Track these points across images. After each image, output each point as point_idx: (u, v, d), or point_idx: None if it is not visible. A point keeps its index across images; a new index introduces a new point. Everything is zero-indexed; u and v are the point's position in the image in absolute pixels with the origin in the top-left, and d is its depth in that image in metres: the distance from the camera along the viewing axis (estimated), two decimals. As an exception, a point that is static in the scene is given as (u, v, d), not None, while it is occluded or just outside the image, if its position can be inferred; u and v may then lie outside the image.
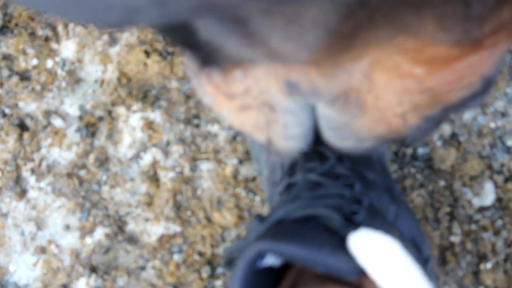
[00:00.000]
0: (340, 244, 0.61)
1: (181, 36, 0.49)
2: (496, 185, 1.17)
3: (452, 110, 0.56)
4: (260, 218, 0.73)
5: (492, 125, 1.18)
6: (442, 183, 1.18)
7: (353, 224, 0.65)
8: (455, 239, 1.16)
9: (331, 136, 0.63)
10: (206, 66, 0.54)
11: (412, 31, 0.42)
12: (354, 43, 0.43)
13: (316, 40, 0.40)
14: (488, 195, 1.16)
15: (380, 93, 0.51)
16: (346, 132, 0.60)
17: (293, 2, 0.32)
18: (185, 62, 0.64)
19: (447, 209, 1.17)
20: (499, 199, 1.17)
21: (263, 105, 0.58)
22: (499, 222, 1.15)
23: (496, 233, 1.16)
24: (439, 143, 1.18)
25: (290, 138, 0.63)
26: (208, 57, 0.51)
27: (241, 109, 0.59)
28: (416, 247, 0.84)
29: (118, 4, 0.29)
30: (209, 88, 0.58)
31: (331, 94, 0.52)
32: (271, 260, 0.67)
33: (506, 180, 1.17)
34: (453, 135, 1.18)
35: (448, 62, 0.46)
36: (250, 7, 0.32)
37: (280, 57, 0.44)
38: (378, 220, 0.70)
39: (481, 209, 1.17)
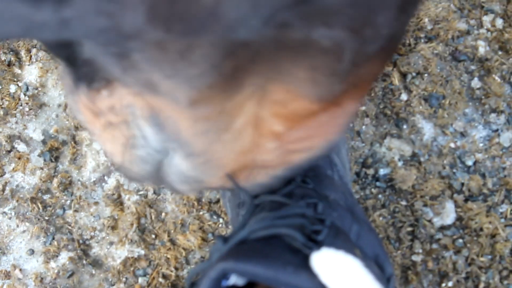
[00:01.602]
0: (303, 263, 0.61)
1: (65, 52, 0.50)
2: (457, 205, 1.18)
3: (296, 169, 0.58)
4: (223, 238, 0.73)
5: (452, 145, 1.19)
6: (403, 203, 1.19)
7: (315, 243, 0.66)
8: (417, 258, 1.17)
9: (173, 181, 0.63)
10: (79, 83, 0.54)
11: (284, 79, 0.43)
12: (232, 86, 0.43)
13: (200, 76, 0.40)
14: (448, 214, 1.17)
15: (242, 156, 0.53)
16: (191, 183, 0.61)
17: (193, 34, 0.33)
18: (61, 77, 0.64)
19: (409, 229, 1.18)
20: (459, 218, 1.18)
21: (122, 122, 0.57)
22: (460, 241, 1.17)
23: (457, 252, 1.17)
24: (400, 164, 1.19)
25: (138, 161, 0.63)
26: (83, 75, 0.52)
27: (105, 126, 0.59)
28: (378, 266, 0.84)
29: (24, 19, 0.30)
30: (81, 106, 0.58)
31: (193, 149, 0.53)
32: (234, 280, 0.67)
33: (466, 200, 1.18)
34: (414, 155, 1.20)
35: (304, 118, 0.47)
36: (149, 37, 0.33)
37: (158, 91, 0.45)
38: (340, 239, 0.70)
39: (442, 228, 1.18)
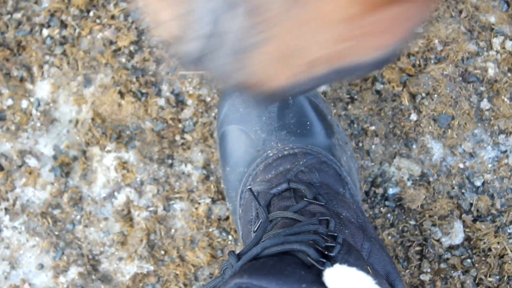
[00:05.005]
0: (316, 279, 0.62)
1: None
2: (465, 225, 1.18)
3: (353, 71, 0.54)
4: (236, 255, 0.73)
5: (461, 165, 1.20)
6: (412, 222, 1.19)
7: (328, 259, 0.66)
8: (425, 277, 1.17)
9: (222, 60, 0.58)
10: None
11: None
12: None
13: None
14: (457, 234, 1.18)
15: (306, 25, 0.49)
16: (242, 63, 0.56)
17: None
18: None
19: (417, 248, 1.19)
20: (468, 238, 1.18)
21: None
22: (468, 261, 1.17)
23: (465, 271, 1.17)
24: (409, 183, 1.20)
25: (194, 37, 0.58)
26: None
27: None
28: (389, 284, 0.85)
29: None
30: None
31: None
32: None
33: (475, 220, 1.19)
34: (423, 175, 1.20)
35: (380, 3, 0.45)
36: None
37: None
38: (353, 256, 0.71)
39: (451, 248, 1.18)
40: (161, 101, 1.24)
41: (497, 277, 1.17)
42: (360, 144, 1.22)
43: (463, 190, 1.20)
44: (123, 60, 1.26)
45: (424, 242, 1.19)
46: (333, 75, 0.53)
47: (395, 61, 1.23)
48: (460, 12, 1.26)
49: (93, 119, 1.24)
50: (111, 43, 1.27)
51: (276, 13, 0.49)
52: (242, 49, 0.54)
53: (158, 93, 1.25)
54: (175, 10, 0.57)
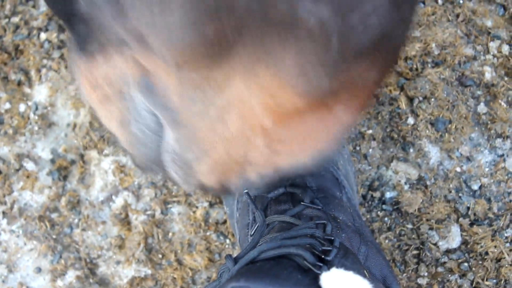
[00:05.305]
0: (313, 283, 0.62)
1: (64, 9, 0.48)
2: (462, 228, 1.18)
3: (283, 175, 0.55)
4: (233, 258, 0.73)
5: (458, 169, 1.20)
6: (409, 226, 1.19)
7: (325, 263, 0.66)
8: (422, 281, 1.17)
9: (167, 162, 0.60)
10: (79, 52, 0.52)
11: (272, 62, 0.41)
12: (218, 53, 0.42)
13: (180, 30, 0.39)
14: (454, 238, 1.18)
15: (230, 142, 0.50)
16: (182, 166, 0.58)
17: None
18: (69, 54, 0.60)
19: (414, 252, 1.19)
20: (465, 242, 1.18)
21: (117, 94, 0.54)
22: (465, 265, 1.17)
23: (462, 275, 1.17)
24: (406, 187, 1.20)
25: (135, 142, 0.60)
26: (81, 38, 0.50)
27: (101, 101, 0.56)
28: (386, 287, 0.85)
29: None
30: (82, 79, 0.56)
31: (180, 117, 0.51)
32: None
33: (472, 224, 1.19)
34: (420, 179, 1.20)
35: (291, 115, 0.45)
36: None
37: (148, 46, 0.43)
38: (349, 260, 0.71)
39: (448, 252, 1.19)
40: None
41: (494, 280, 1.17)
42: (358, 148, 1.22)
43: (460, 194, 1.20)
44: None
45: (421, 246, 1.19)
46: (274, 174, 0.55)
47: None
48: (457, 16, 1.26)
49: (91, 123, 1.24)
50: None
51: (209, 135, 0.50)
52: (185, 163, 0.55)
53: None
54: (117, 122, 0.58)
